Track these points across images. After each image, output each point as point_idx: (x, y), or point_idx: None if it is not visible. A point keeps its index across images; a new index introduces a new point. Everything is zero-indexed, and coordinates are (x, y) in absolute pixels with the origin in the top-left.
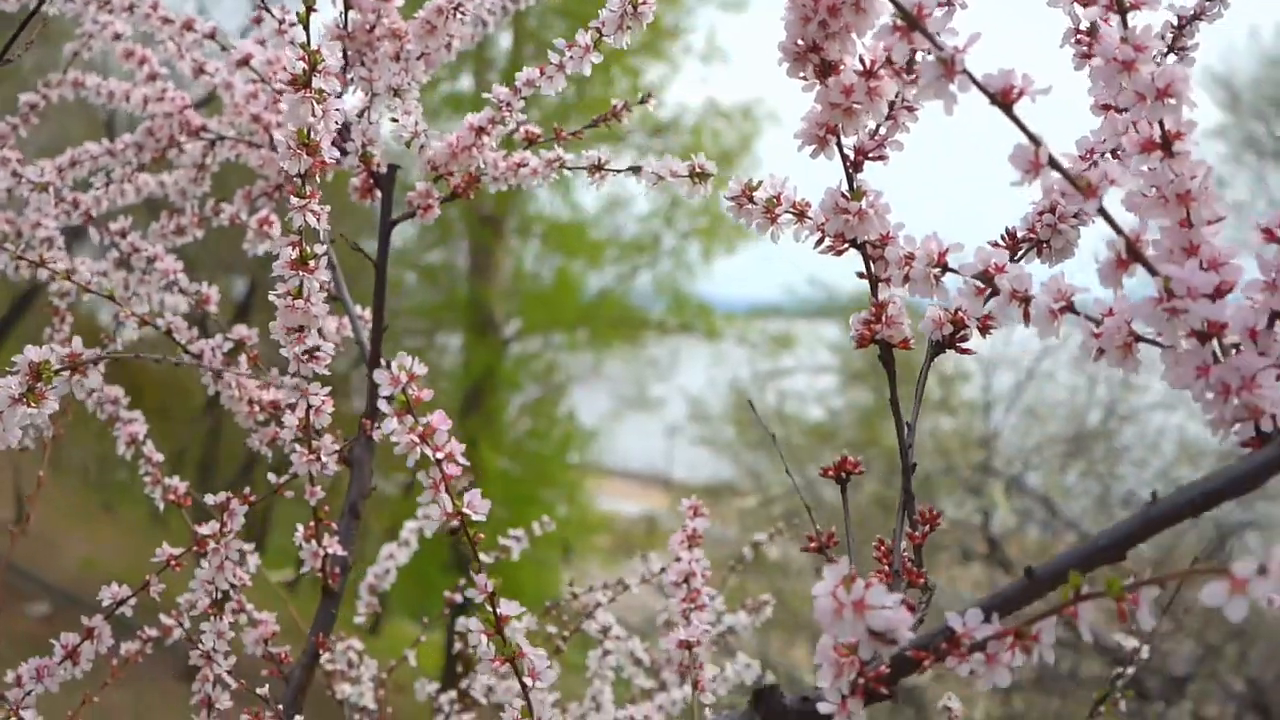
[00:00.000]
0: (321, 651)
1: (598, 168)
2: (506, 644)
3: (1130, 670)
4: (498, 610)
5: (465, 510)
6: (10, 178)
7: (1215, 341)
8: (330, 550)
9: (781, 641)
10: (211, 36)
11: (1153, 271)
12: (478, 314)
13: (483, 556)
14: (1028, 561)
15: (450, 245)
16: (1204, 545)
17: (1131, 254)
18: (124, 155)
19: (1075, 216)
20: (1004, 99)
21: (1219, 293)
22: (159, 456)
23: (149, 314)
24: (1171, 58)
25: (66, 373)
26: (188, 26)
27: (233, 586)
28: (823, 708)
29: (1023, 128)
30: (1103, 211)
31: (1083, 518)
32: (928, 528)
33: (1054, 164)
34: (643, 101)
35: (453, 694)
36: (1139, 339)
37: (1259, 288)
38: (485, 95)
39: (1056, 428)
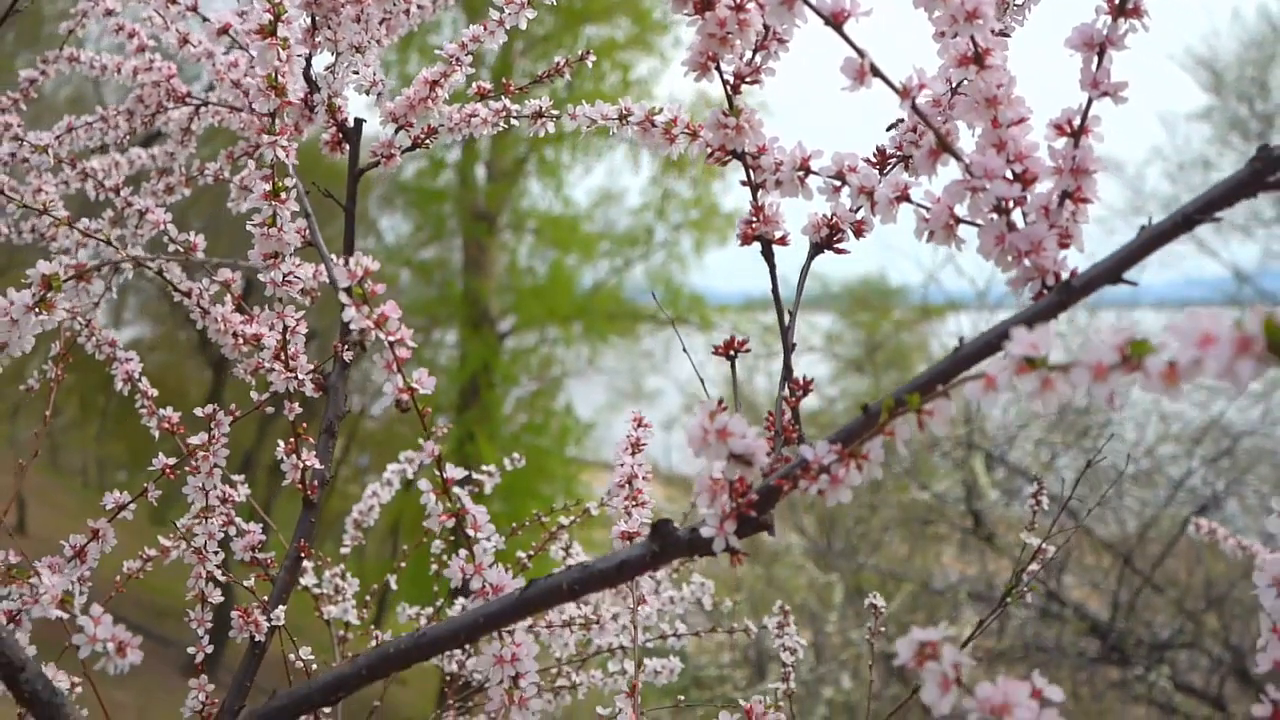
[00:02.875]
0: (303, 556)
1: (539, 115)
2: (452, 500)
3: (1036, 569)
4: (444, 473)
5: (415, 385)
6: (12, 141)
7: (1015, 216)
8: (309, 464)
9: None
10: (194, 9)
11: (960, 159)
12: (473, 309)
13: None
14: (1012, 535)
15: (444, 241)
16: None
17: (941, 145)
18: (115, 121)
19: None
20: (835, 19)
21: (1023, 180)
22: (154, 391)
23: (142, 256)
24: None
25: (73, 281)
26: (171, 0)
27: (222, 500)
28: (705, 530)
29: (850, 43)
30: (915, 110)
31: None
32: (801, 392)
33: (875, 72)
34: (581, 59)
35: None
36: (959, 220)
37: (1050, 172)
38: (437, 51)
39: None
